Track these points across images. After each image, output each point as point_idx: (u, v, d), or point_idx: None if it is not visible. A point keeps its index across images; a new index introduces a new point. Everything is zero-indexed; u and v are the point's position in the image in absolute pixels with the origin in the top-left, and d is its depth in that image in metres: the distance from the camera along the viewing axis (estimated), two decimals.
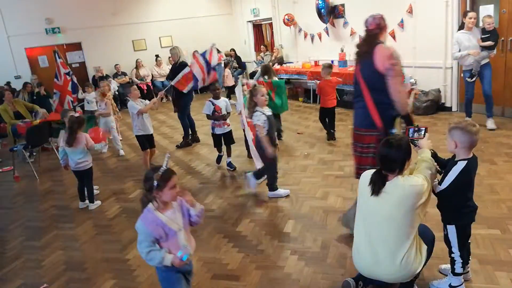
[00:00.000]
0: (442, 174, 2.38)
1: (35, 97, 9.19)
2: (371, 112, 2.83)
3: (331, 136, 6.00)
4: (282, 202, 4.13)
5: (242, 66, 12.17)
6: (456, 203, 2.33)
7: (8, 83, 9.90)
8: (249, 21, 12.57)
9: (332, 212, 3.74)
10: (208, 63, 5.62)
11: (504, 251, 2.84)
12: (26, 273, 3.39)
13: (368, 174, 2.31)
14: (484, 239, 3.00)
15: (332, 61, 8.80)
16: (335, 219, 3.60)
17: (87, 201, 4.61)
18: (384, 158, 2.18)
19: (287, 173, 4.88)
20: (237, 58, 12.08)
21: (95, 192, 4.85)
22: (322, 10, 8.56)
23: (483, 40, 5.31)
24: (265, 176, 4.30)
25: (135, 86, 5.47)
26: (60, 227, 4.21)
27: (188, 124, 6.71)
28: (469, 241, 2.48)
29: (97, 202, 4.65)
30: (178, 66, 6.27)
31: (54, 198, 5.10)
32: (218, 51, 6.01)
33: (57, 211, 4.66)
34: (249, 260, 3.13)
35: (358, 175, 2.67)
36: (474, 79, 5.50)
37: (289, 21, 10.06)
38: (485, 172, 4.18)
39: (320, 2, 8.52)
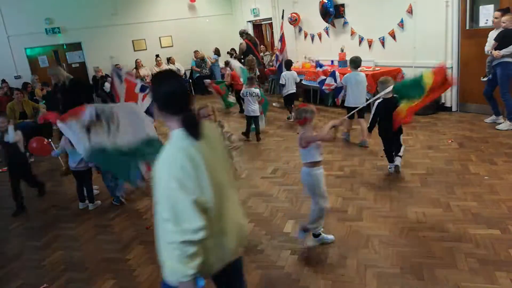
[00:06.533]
0: None
1: (35, 97, 9.16)
2: None
3: None
4: (282, 202, 4.13)
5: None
6: None
7: (3, 81, 9.78)
8: (249, 21, 12.57)
9: (332, 212, 3.74)
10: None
11: (504, 251, 2.84)
12: (26, 273, 3.39)
13: None
14: (484, 239, 3.00)
15: (332, 61, 8.81)
16: (335, 219, 3.60)
17: (87, 201, 4.61)
18: None
19: (287, 173, 4.88)
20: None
21: (95, 192, 4.84)
22: (331, 9, 8.54)
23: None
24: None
25: None
26: (60, 227, 4.22)
27: None
28: None
29: (97, 202, 4.65)
30: (69, 88, 5.36)
31: (54, 198, 5.09)
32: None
33: (57, 211, 4.66)
34: (249, 260, 3.12)
35: None
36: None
37: (292, 21, 10.02)
38: (485, 172, 4.18)
39: (327, 1, 8.51)
